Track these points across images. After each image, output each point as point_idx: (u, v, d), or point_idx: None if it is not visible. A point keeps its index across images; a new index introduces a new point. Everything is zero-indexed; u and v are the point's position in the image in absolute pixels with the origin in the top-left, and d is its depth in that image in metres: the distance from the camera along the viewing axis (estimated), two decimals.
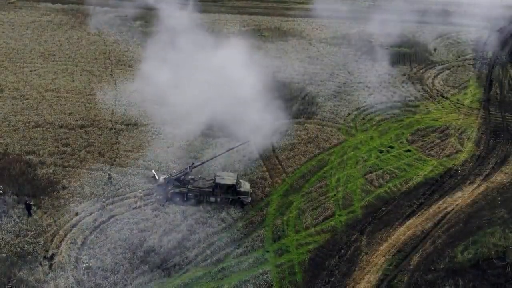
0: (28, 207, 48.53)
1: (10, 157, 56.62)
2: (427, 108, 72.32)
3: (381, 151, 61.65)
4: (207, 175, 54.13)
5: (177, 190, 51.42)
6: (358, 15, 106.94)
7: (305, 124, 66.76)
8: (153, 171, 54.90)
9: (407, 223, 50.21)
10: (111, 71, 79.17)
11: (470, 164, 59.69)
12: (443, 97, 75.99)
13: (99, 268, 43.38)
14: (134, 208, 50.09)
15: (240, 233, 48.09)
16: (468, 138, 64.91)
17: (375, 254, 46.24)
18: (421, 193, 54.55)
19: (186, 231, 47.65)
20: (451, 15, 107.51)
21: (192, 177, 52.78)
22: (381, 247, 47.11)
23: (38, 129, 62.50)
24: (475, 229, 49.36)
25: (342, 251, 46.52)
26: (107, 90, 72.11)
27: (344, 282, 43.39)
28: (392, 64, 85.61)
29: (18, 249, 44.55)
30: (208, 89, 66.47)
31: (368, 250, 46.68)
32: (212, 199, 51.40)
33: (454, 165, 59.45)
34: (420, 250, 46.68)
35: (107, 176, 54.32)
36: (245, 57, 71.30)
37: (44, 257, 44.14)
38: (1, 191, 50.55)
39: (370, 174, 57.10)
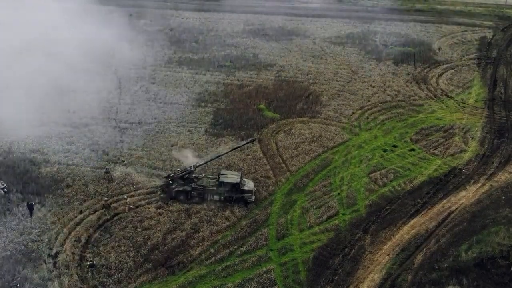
0: (30, 208, 48.56)
1: (15, 155, 56.85)
2: (431, 107, 72.19)
3: (385, 150, 61.56)
4: (211, 174, 54.19)
5: (181, 188, 51.47)
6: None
7: (309, 123, 66.76)
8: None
9: (411, 222, 50.10)
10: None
11: (474, 163, 59.54)
12: (448, 96, 75.86)
13: (103, 266, 43.47)
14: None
15: (244, 231, 48.08)
16: (472, 138, 64.76)
17: (379, 253, 46.18)
18: (425, 192, 54.42)
19: (190, 230, 47.71)
20: None
21: (196, 175, 52.83)
22: (385, 246, 47.03)
23: (43, 127, 62.68)
24: (479, 228, 49.23)
25: (346, 250, 46.45)
26: None
27: (348, 280, 43.33)
28: (396, 63, 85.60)
29: (22, 247, 44.64)
30: None
31: (372, 249, 46.61)
32: (216, 197, 51.41)
33: (458, 164, 59.31)
34: (424, 249, 46.56)
35: (104, 171, 54.57)
36: None
37: (48, 255, 44.19)
38: (6, 189, 50.66)
39: (374, 173, 57.02)
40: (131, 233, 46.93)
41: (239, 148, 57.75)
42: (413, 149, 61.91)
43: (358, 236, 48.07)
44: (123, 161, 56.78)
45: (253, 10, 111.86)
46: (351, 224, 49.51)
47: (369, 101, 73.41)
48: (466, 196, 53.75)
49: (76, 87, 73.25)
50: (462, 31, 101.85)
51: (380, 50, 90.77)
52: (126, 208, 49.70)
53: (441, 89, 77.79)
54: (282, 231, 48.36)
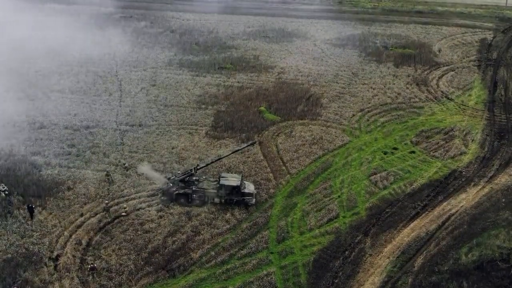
0: (30, 210, 48.63)
1: (15, 157, 56.90)
2: (431, 110, 72.23)
3: (385, 153, 61.59)
4: (211, 177, 54.26)
5: (182, 191, 51.54)
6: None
7: (310, 126, 66.81)
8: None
9: (411, 224, 50.15)
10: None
11: (475, 166, 59.57)
12: (448, 98, 75.89)
13: (104, 269, 43.54)
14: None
15: (244, 234, 48.13)
16: (472, 140, 64.79)
17: (379, 256, 46.23)
18: (425, 194, 54.46)
19: (190, 232, 47.78)
20: None
21: (197, 178, 52.91)
22: (385, 248, 47.09)
23: (44, 130, 62.79)
24: (479, 231, 49.26)
25: (346, 252, 46.50)
26: None
27: (348, 283, 43.37)
28: (396, 65, 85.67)
29: (23, 250, 44.73)
30: None
31: (372, 252, 46.66)
32: (217, 200, 51.51)
33: (459, 166, 59.34)
34: (424, 252, 46.62)
35: (105, 173, 54.63)
36: None
37: (49, 258, 44.26)
38: (7, 192, 50.73)
39: (374, 176, 57.05)
40: (132, 236, 47.00)
41: (239, 151, 57.82)
42: (413, 152, 61.92)
43: (358, 239, 48.13)
44: (124, 164, 56.86)
45: (253, 11, 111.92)
46: (351, 227, 49.56)
47: (369, 103, 73.45)
48: (466, 199, 53.79)
49: (76, 89, 73.56)
50: (463, 33, 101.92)
51: (380, 52, 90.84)
52: (123, 212, 49.94)
53: (442, 91, 77.86)
54: (283, 234, 48.42)
